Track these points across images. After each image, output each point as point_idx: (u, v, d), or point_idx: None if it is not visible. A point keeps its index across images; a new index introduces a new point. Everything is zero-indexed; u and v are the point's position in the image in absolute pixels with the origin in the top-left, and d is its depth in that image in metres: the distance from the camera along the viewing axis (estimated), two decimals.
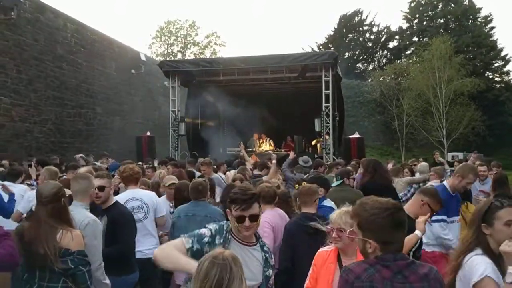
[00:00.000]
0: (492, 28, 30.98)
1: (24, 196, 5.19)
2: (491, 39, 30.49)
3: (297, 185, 5.00)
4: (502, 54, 30.49)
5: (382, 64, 34.52)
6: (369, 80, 30.90)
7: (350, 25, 35.94)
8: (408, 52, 32.47)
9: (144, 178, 5.80)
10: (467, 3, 31.32)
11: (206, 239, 2.31)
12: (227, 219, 2.53)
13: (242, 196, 2.37)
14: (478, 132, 25.20)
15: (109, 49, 16.82)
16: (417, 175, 7.44)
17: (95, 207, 3.73)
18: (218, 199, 5.83)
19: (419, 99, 24.94)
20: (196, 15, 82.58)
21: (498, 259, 2.06)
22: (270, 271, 2.45)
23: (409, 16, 33.30)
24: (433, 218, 3.58)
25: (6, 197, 5.11)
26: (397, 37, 34.88)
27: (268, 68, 14.26)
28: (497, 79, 30.66)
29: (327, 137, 13.16)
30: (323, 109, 13.08)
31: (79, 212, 3.23)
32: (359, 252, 2.02)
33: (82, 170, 4.98)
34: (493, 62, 30.59)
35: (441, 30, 30.32)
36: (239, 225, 2.33)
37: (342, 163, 7.60)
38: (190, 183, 4.60)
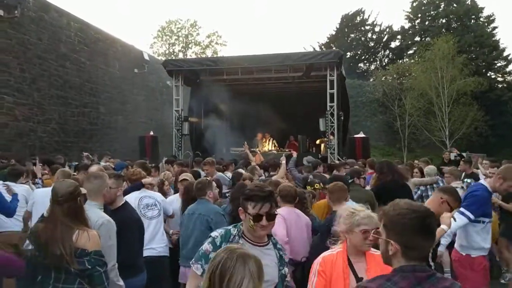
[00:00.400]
0: (495, 28, 30.91)
1: (30, 195, 5.18)
2: (493, 39, 30.39)
3: (309, 187, 4.97)
4: (505, 54, 30.40)
5: (384, 64, 34.46)
6: (371, 80, 30.84)
7: (352, 24, 35.86)
8: (410, 52, 32.42)
9: (150, 177, 5.80)
10: (469, 3, 31.23)
11: (212, 255, 2.19)
12: (231, 218, 2.46)
13: (260, 193, 2.29)
14: (480, 132, 25.13)
15: (112, 48, 16.77)
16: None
17: (104, 207, 3.68)
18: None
19: (421, 99, 24.88)
20: (197, 14, 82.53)
21: None
22: (286, 269, 2.39)
23: (411, 16, 33.22)
24: (473, 218, 3.52)
25: (13, 198, 5.08)
26: (399, 36, 34.79)
27: (272, 67, 14.21)
28: (499, 79, 30.60)
29: (331, 137, 13.10)
30: (328, 108, 13.02)
31: (93, 212, 3.16)
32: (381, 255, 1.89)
33: (93, 169, 4.94)
34: (495, 62, 30.51)
35: (443, 29, 30.22)
36: (256, 224, 2.25)
37: (351, 163, 7.54)
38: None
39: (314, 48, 33.96)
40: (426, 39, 30.13)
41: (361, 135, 13.19)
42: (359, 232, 2.48)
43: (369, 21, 35.80)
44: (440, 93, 23.88)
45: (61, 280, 2.68)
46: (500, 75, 30.69)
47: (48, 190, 4.95)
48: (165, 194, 5.48)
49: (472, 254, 3.69)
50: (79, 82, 14.60)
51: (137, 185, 4.62)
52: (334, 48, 29.18)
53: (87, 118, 15.04)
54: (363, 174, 5.66)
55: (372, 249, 2.49)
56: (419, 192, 6.38)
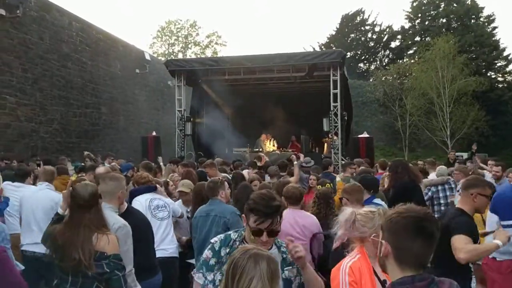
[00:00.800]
0: (495, 27, 30.90)
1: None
2: (493, 38, 30.39)
3: (320, 186, 4.92)
4: (505, 54, 30.41)
5: (384, 64, 34.45)
6: (371, 80, 30.81)
7: (352, 24, 35.82)
8: (410, 52, 32.39)
9: (156, 179, 5.78)
10: (469, 3, 31.22)
11: (212, 262, 2.19)
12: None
13: (264, 208, 2.11)
14: (482, 132, 25.11)
15: (113, 48, 16.71)
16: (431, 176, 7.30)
17: None
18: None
19: (422, 98, 24.86)
20: (197, 15, 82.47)
21: None
22: (294, 270, 2.25)
23: (411, 16, 33.20)
24: (503, 223, 3.44)
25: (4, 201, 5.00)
26: (399, 36, 34.75)
27: (274, 67, 14.15)
28: (499, 79, 30.61)
29: (335, 137, 13.05)
30: (332, 108, 12.97)
31: (109, 215, 3.09)
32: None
33: (100, 170, 4.87)
34: (496, 62, 30.52)
35: (443, 29, 30.21)
36: (256, 238, 2.13)
37: (358, 163, 7.48)
38: (205, 183, 4.57)
39: (314, 48, 33.91)
40: (426, 39, 30.11)
41: (365, 135, 13.13)
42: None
43: (369, 21, 35.78)
44: (441, 93, 23.86)
45: (78, 284, 2.62)
46: (500, 75, 30.71)
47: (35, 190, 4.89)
48: (170, 194, 5.45)
49: (498, 258, 3.62)
50: (81, 83, 14.54)
51: (151, 187, 4.57)
52: (334, 48, 29.14)
53: (89, 118, 14.97)
54: (373, 174, 5.62)
55: None
56: (429, 193, 6.30)
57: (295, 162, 6.50)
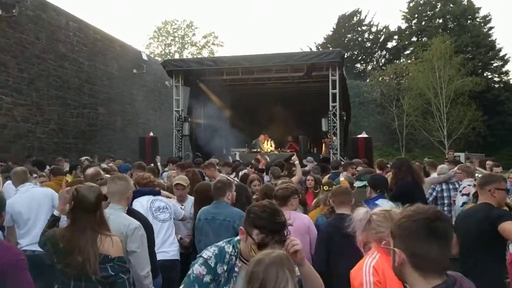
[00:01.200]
0: (491, 28, 31.06)
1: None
2: (490, 39, 30.55)
3: (326, 187, 4.87)
4: (501, 54, 30.58)
5: (381, 64, 34.52)
6: (368, 80, 30.84)
7: (348, 25, 35.89)
8: (407, 52, 32.48)
9: (158, 180, 5.70)
10: (466, 3, 31.36)
11: (207, 279, 2.04)
12: None
13: (270, 225, 1.98)
14: (479, 132, 25.20)
15: (111, 48, 16.58)
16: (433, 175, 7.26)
17: None
18: None
19: (419, 99, 24.90)
20: (193, 15, 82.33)
21: None
22: None
23: (408, 16, 33.30)
24: None
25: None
26: (396, 37, 34.87)
27: (272, 67, 14.10)
28: (496, 79, 30.75)
29: (334, 137, 13.01)
30: (330, 108, 12.93)
31: (121, 216, 3.02)
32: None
33: (90, 171, 4.73)
34: (492, 62, 30.66)
35: (440, 30, 30.31)
36: (260, 250, 1.99)
37: (357, 163, 7.44)
38: (211, 183, 4.54)
39: (310, 49, 33.94)
40: (423, 39, 30.23)
41: (364, 135, 13.08)
42: None
43: (366, 22, 35.87)
44: (438, 93, 23.93)
45: None
46: (496, 75, 30.86)
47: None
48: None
49: None
50: (78, 83, 14.41)
51: (154, 192, 4.49)
52: (330, 48, 29.16)
53: (86, 119, 14.85)
54: None
55: None
56: (434, 193, 6.24)
57: (296, 162, 6.44)
